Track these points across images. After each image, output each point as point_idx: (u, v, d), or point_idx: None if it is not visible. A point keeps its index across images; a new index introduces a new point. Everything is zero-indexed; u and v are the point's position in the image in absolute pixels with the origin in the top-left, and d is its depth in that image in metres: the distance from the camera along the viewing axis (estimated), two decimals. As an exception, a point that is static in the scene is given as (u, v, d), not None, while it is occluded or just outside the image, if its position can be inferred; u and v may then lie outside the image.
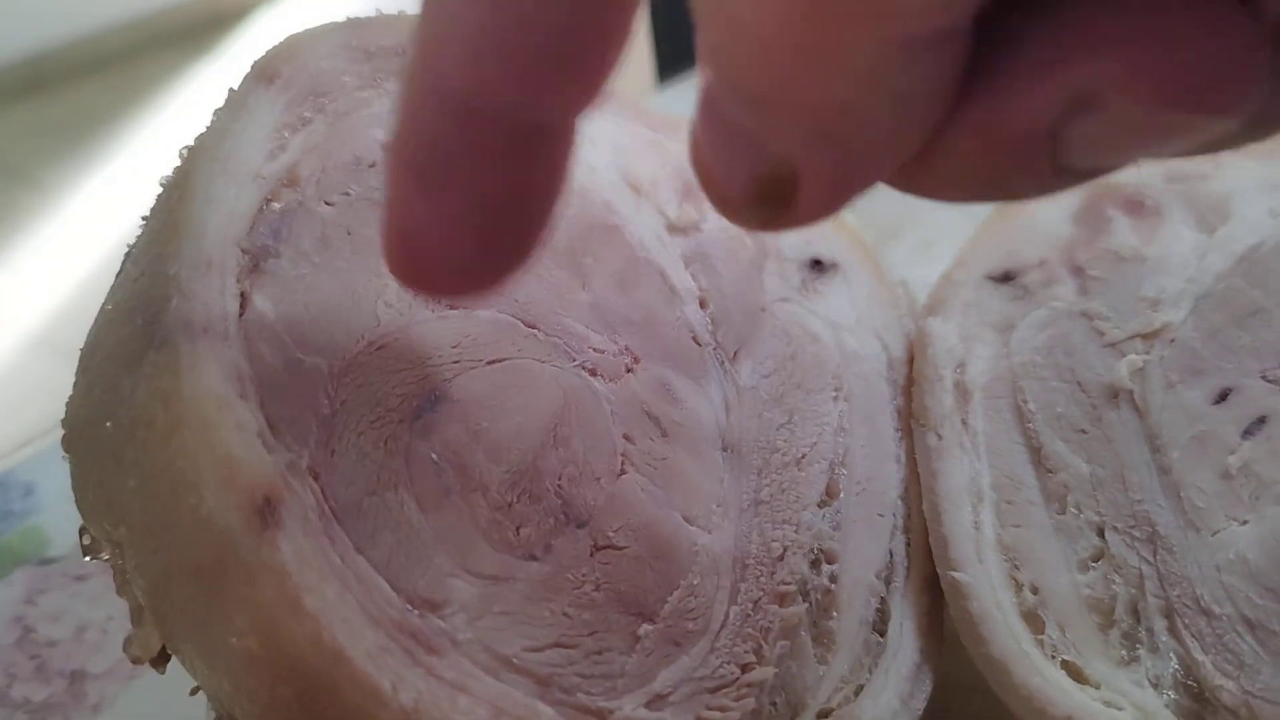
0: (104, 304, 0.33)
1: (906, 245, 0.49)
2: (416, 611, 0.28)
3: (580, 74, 0.22)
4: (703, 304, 0.39)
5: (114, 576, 0.31)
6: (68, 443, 0.32)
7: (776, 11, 0.17)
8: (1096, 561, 0.34)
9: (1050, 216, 0.43)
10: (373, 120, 0.36)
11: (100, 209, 2.30)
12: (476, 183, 0.23)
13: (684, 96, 0.81)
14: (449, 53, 0.21)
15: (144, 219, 0.35)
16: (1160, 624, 0.32)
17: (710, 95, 0.20)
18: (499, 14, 0.21)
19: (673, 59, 1.01)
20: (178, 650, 0.28)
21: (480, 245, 0.24)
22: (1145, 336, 0.38)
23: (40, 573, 0.48)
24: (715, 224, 0.41)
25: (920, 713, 0.33)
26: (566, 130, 0.24)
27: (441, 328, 0.33)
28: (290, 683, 0.26)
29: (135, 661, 0.29)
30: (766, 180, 0.20)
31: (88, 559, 0.33)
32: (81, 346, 0.34)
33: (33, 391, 1.88)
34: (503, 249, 0.25)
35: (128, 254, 0.34)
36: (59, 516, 0.50)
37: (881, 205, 0.51)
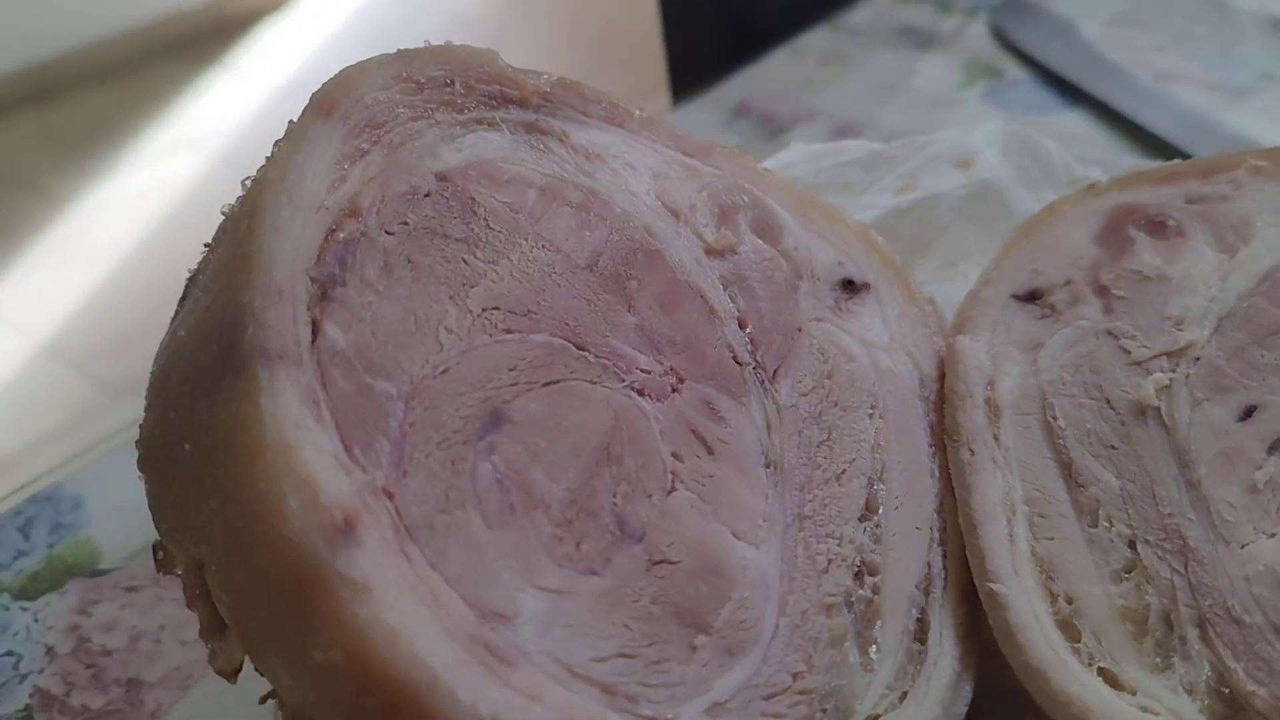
0: (174, 329, 0.35)
1: (931, 263, 0.50)
2: (489, 624, 0.29)
3: None
4: (741, 324, 0.40)
5: (185, 590, 0.33)
6: (144, 463, 0.34)
7: None
8: (1129, 573, 0.35)
9: (1073, 237, 0.45)
10: (425, 151, 0.37)
11: (108, 217, 2.31)
12: None
13: (697, 115, 0.83)
14: None
15: (207, 246, 0.36)
16: (1193, 633, 0.33)
17: None
18: None
19: (686, 79, 1.03)
20: (261, 662, 0.30)
21: None
22: (1170, 355, 0.39)
23: (92, 584, 0.50)
24: (751, 246, 0.43)
25: (962, 718, 0.34)
26: None
27: (499, 351, 0.34)
28: (374, 694, 0.27)
29: (219, 673, 0.31)
30: None
31: (161, 574, 0.35)
32: (152, 368, 0.35)
33: (43, 398, 1.90)
34: None
35: (192, 280, 0.36)
36: (109, 528, 0.52)
37: (906, 224, 0.52)
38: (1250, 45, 0.88)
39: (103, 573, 0.50)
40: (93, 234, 2.28)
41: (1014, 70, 0.86)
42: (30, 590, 0.50)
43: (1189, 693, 0.32)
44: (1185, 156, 0.72)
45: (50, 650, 0.47)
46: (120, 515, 0.51)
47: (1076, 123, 0.80)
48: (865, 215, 0.51)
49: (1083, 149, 0.76)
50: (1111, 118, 0.80)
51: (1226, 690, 0.32)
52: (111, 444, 0.56)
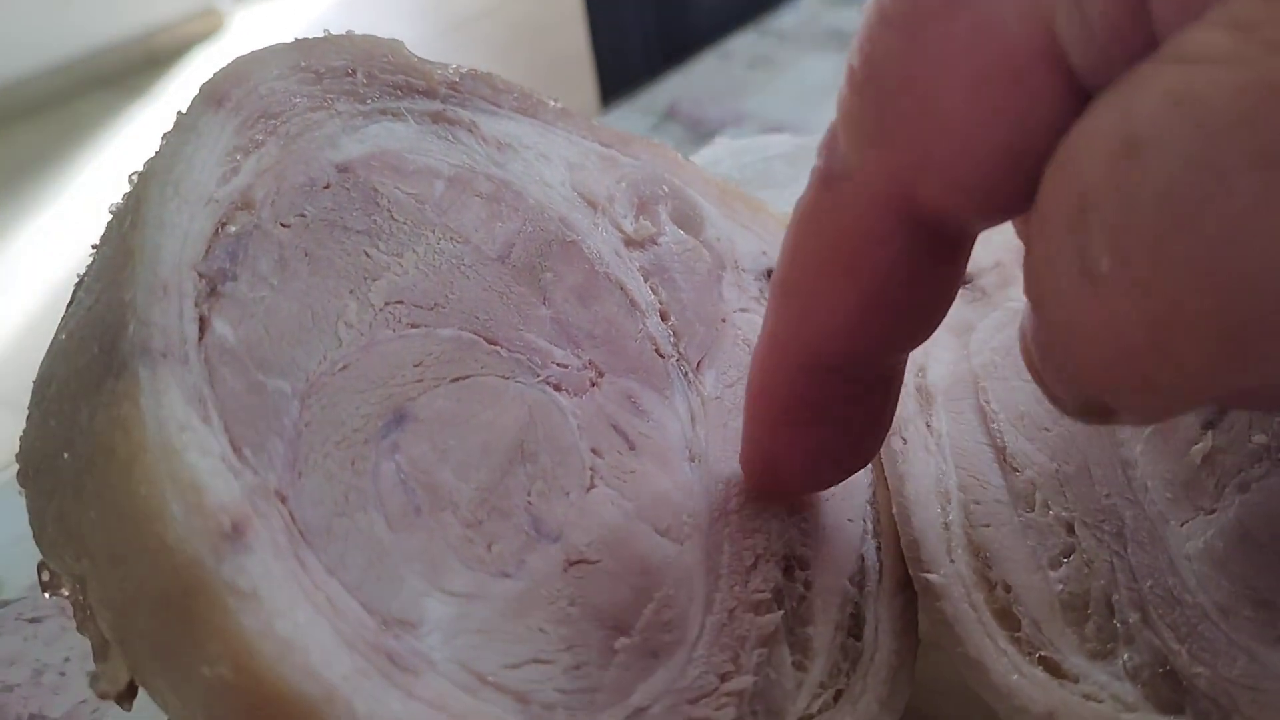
0: (56, 334, 0.33)
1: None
2: (391, 632, 0.27)
3: (925, 334, 0.28)
4: (664, 316, 0.39)
5: (74, 613, 0.31)
6: (23, 477, 0.31)
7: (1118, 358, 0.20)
8: (1067, 557, 0.34)
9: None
10: (325, 142, 0.35)
11: (41, 252, 2.27)
12: (835, 423, 0.30)
13: (626, 119, 0.82)
14: (823, 333, 0.27)
15: (95, 247, 0.34)
16: (1134, 616, 0.32)
17: (1044, 343, 0.24)
18: (871, 304, 0.26)
19: (614, 83, 1.02)
20: (146, 683, 0.28)
21: (834, 465, 0.32)
22: (1103, 333, 0.38)
23: (-8, 617, 0.47)
24: (672, 237, 0.41)
25: (900, 715, 0.33)
26: (900, 368, 0.30)
27: (403, 346, 0.33)
28: (265, 710, 0.25)
29: (103, 696, 0.29)
30: (1091, 405, 0.24)
31: (47, 596, 0.32)
32: (33, 380, 0.33)
33: (-28, 440, 1.84)
34: (850, 465, 0.33)
35: (79, 283, 0.34)
36: (9, 558, 0.49)
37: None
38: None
39: (3, 604, 0.47)
40: (25, 269, 2.24)
41: (943, 69, 0.86)
42: (-73, 625, 0.47)
43: (1132, 678, 0.31)
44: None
45: (-53, 687, 0.44)
46: (22, 543, 0.49)
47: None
48: (790, 208, 0.50)
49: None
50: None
51: (1170, 673, 0.31)
52: (11, 471, 0.53)
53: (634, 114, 0.81)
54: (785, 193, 0.53)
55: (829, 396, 0.29)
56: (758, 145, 0.55)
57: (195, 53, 2.99)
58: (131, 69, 2.91)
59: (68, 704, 0.43)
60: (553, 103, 0.43)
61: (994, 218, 0.25)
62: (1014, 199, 0.23)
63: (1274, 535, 0.31)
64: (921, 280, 0.26)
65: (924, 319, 0.28)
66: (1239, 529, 0.32)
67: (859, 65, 0.24)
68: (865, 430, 0.30)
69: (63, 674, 0.44)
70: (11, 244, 2.33)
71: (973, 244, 0.27)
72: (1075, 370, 0.22)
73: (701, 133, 0.79)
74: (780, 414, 0.29)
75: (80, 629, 0.31)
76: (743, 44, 0.90)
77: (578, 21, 1.14)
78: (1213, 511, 0.33)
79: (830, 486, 0.33)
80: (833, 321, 0.26)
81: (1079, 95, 0.21)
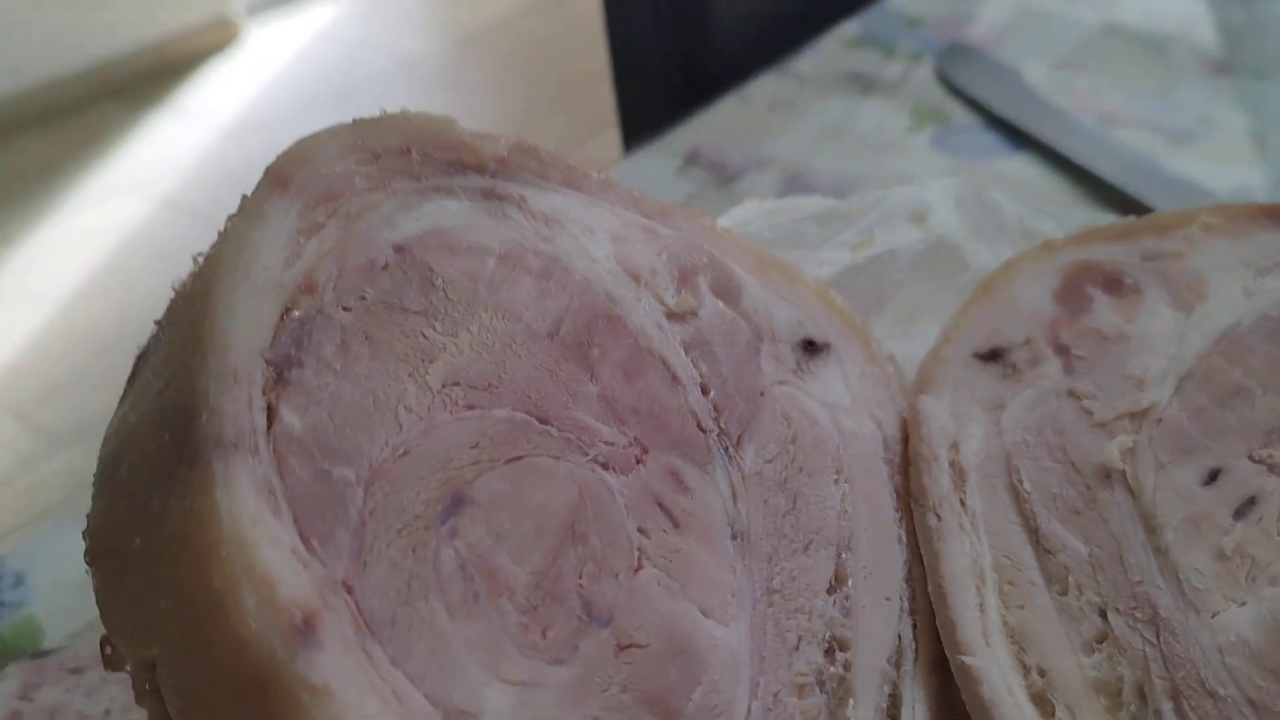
0: (122, 413, 0.33)
1: (888, 319, 0.50)
2: (454, 723, 0.28)
3: None
4: (704, 390, 0.40)
5: (134, 687, 0.32)
6: (92, 556, 0.32)
7: None
8: (1101, 643, 0.35)
9: (1032, 294, 0.45)
10: (383, 222, 0.36)
11: (50, 261, 2.27)
12: None
13: (649, 162, 0.83)
14: None
15: (158, 324, 0.35)
16: (1167, 705, 0.33)
17: None
18: None
19: (637, 130, 1.03)
20: (217, 768, 0.29)
21: None
22: (1133, 416, 0.39)
23: (35, 666, 0.48)
24: (711, 309, 0.42)
25: (937, 797, 0.34)
26: None
27: (460, 429, 0.33)
28: (337, 802, 0.26)
29: (171, 778, 0.30)
30: None
31: (109, 671, 0.33)
32: (100, 453, 0.34)
33: (-17, 449, 1.85)
34: None
35: (141, 358, 0.35)
36: (52, 606, 0.50)
37: (863, 281, 0.52)
38: (1189, 89, 0.89)
39: (45, 654, 0.48)
40: (34, 278, 2.24)
41: (961, 115, 0.87)
42: (-30, 674, 0.48)
43: (1166, 767, 0.32)
44: (1131, 200, 0.73)
45: (-8, 737, 0.45)
46: (64, 592, 0.50)
47: (1023, 167, 0.81)
48: (822, 271, 0.51)
49: (1030, 193, 0.76)
50: (1057, 161, 0.81)
51: (1202, 764, 0.32)
52: (57, 517, 0.54)
53: (657, 157, 0.82)
54: (817, 254, 0.54)
55: None
56: (788, 206, 0.56)
57: (209, 63, 3.00)
58: (145, 79, 2.92)
59: (110, 755, 0.44)
60: (596, 174, 0.44)
61: None
62: None
63: (1304, 630, 0.32)
64: None
65: None
66: (1271, 623, 0.33)
67: None
68: None
69: (105, 725, 0.45)
70: (22, 252, 2.33)
71: None
72: None
73: (724, 176, 0.80)
74: None
75: (139, 702, 0.31)
76: (763, 86, 0.90)
77: (594, 37, 1.14)
78: (1244, 604, 0.34)
79: None
80: None
81: None
